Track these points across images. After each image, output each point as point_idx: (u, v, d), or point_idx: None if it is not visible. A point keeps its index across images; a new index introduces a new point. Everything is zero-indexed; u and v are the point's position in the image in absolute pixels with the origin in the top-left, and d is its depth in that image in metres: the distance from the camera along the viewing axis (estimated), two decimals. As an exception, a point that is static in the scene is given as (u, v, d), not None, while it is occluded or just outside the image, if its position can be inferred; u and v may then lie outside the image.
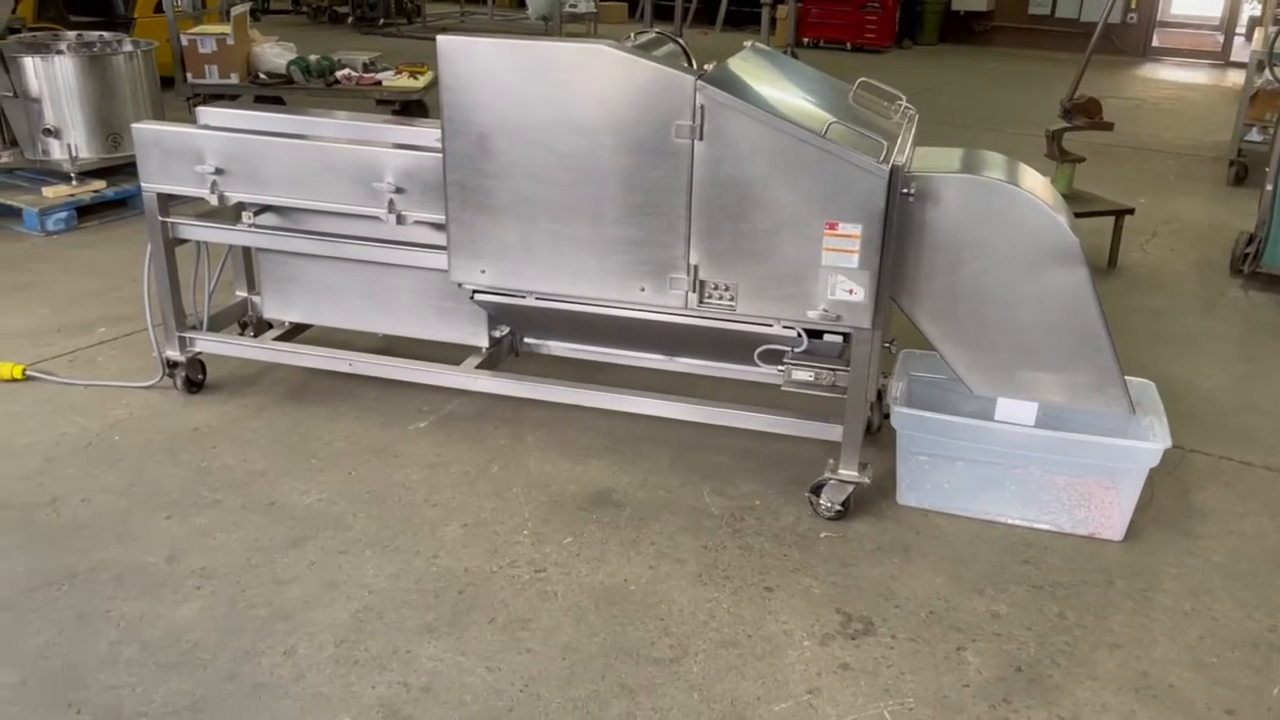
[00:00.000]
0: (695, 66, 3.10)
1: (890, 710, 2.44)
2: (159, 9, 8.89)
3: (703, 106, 2.82)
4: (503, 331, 3.71)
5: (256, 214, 3.64)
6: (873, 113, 3.29)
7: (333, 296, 3.74)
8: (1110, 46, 5.44)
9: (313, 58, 7.90)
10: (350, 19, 15.10)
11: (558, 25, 11.77)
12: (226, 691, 2.44)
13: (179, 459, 3.41)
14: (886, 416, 3.43)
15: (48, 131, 5.79)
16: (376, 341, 3.96)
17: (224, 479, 3.31)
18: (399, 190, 3.29)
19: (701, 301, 3.04)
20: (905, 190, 2.88)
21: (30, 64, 5.71)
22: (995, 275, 2.97)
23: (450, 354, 3.67)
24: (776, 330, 3.07)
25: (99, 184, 5.90)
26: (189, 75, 7.78)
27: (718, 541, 3.05)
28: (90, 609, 2.70)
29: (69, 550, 2.93)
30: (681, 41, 3.38)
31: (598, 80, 2.89)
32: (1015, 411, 3.17)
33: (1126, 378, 3.04)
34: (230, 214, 3.71)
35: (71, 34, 6.44)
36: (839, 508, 3.13)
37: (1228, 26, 14.43)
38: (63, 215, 5.69)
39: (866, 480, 3.15)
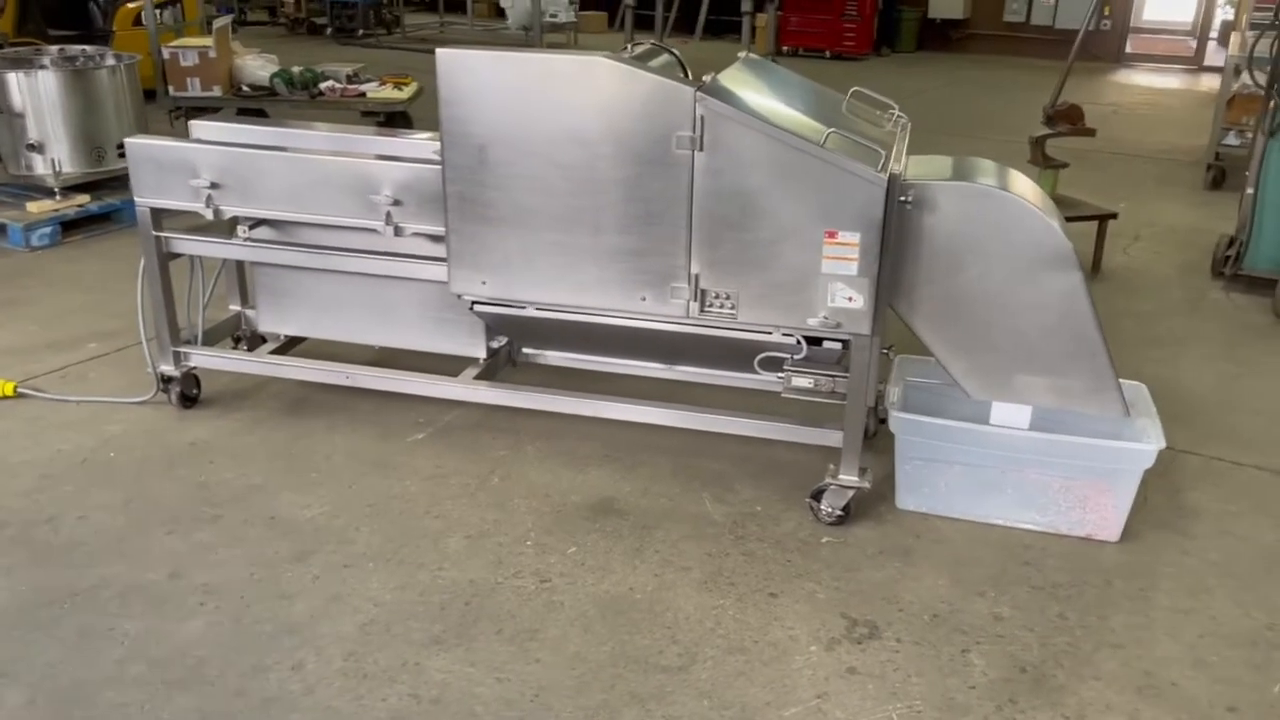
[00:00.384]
0: (690, 77, 3.13)
1: (899, 713, 2.46)
2: (138, 22, 8.85)
3: (703, 117, 2.85)
4: (500, 342, 3.72)
5: (251, 228, 3.64)
6: (866, 121, 3.33)
7: (328, 309, 3.74)
8: (1085, 53, 5.52)
9: (296, 70, 7.87)
10: (329, 30, 15.05)
11: (538, 35, 11.79)
12: (236, 707, 2.43)
13: (176, 474, 3.40)
14: (883, 421, 3.47)
15: (31, 146, 5.76)
16: (371, 354, 3.95)
17: (223, 494, 3.29)
18: (396, 202, 3.29)
19: (703, 310, 3.06)
20: (903, 198, 2.91)
21: (13, 79, 5.67)
22: (991, 281, 3.00)
23: (447, 365, 3.68)
24: (776, 338, 3.10)
25: (83, 198, 5.86)
26: (170, 88, 7.74)
27: (721, 548, 3.07)
28: (94, 627, 2.68)
29: (69, 568, 2.91)
30: (676, 52, 3.41)
31: (597, 92, 2.91)
32: (1010, 415, 3.20)
33: (1119, 380, 3.08)
34: (224, 228, 3.70)
35: (54, 49, 6.40)
36: (840, 513, 3.16)
37: (1201, 31, 14.62)
38: (47, 230, 5.64)
39: (867, 485, 3.17)
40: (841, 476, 3.17)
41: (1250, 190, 5.24)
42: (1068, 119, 5.68)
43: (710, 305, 3.06)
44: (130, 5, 9.13)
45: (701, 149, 2.88)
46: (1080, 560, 3.06)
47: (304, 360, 3.79)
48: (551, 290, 3.17)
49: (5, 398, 3.86)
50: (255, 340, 4.07)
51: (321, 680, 2.51)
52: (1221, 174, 7.41)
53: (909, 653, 2.66)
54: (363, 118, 7.86)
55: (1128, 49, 14.52)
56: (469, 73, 2.99)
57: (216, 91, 7.73)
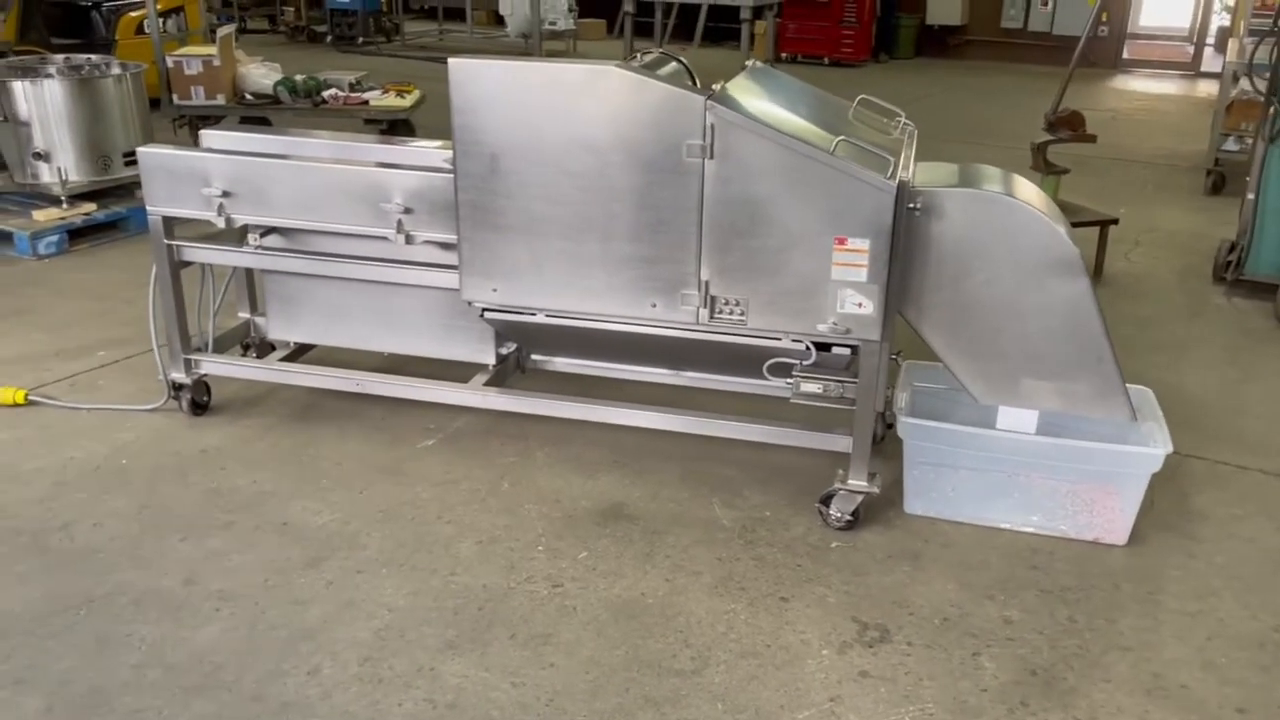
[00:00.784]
0: (699, 85, 3.15)
1: (911, 716, 2.48)
2: (140, 30, 8.87)
3: (713, 126, 2.88)
4: (509, 348, 3.74)
5: (262, 235, 3.66)
6: (873, 129, 3.36)
7: (338, 316, 3.76)
8: (1082, 59, 5.56)
9: (299, 78, 7.90)
10: (329, 38, 15.09)
11: (537, 42, 11.82)
12: (253, 712, 2.45)
13: (189, 481, 3.42)
14: (890, 427, 3.49)
15: (37, 155, 5.77)
16: (380, 361, 3.98)
17: (235, 500, 3.31)
18: (407, 210, 3.32)
19: (713, 317, 3.09)
20: (911, 205, 2.94)
21: (19, 88, 5.69)
22: (999, 287, 3.03)
23: (455, 372, 3.70)
24: (785, 344, 3.12)
25: (90, 207, 5.89)
26: (175, 96, 7.77)
27: (731, 553, 3.09)
28: (110, 633, 2.70)
29: (84, 575, 2.93)
30: (684, 61, 3.43)
31: (608, 101, 2.94)
32: (1016, 420, 3.22)
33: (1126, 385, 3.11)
34: (234, 236, 3.72)
35: (59, 57, 6.42)
36: (849, 517, 3.18)
37: (1197, 37, 14.68)
38: (54, 239, 5.67)
39: (876, 490, 3.20)
40: (850, 481, 3.19)
41: (1251, 196, 5.28)
42: (1069, 125, 5.71)
43: (720, 312, 3.08)
44: (133, 14, 9.16)
45: (712, 157, 2.91)
46: (1088, 564, 3.08)
47: (314, 367, 3.82)
48: (562, 297, 3.20)
49: (16, 406, 3.88)
50: (264, 348, 4.09)
51: (338, 685, 2.53)
52: (1221, 179, 7.45)
53: (920, 656, 2.68)
54: (365, 125, 7.89)
55: (1125, 55, 14.57)
56: (481, 82, 3.02)
57: (221, 100, 7.75)
